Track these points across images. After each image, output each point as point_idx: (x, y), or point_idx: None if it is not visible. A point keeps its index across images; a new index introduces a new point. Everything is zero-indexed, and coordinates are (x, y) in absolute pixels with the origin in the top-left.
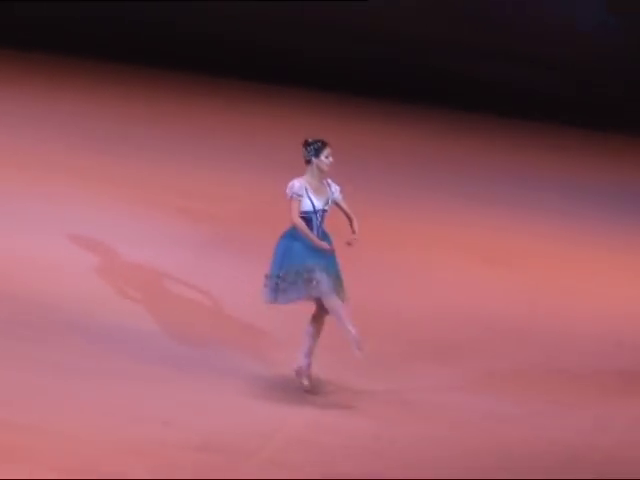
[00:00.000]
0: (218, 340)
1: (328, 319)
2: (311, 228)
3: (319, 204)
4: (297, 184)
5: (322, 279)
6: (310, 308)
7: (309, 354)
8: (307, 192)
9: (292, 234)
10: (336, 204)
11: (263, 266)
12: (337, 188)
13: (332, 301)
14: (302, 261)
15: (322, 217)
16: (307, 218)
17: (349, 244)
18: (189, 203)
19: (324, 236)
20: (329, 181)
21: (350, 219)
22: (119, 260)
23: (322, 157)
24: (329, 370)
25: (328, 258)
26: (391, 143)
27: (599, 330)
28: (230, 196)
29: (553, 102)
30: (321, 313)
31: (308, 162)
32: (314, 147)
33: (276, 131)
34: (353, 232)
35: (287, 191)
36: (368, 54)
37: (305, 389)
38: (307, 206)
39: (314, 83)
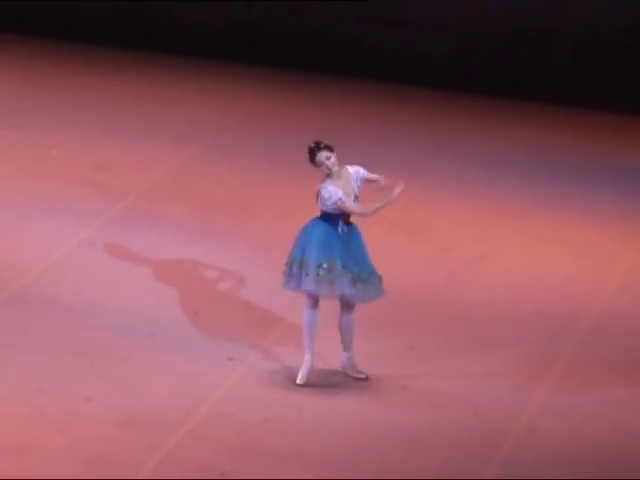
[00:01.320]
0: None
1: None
2: (336, 225)
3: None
4: (331, 190)
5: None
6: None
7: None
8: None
9: (325, 223)
10: (367, 181)
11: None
12: (357, 169)
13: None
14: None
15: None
16: (336, 215)
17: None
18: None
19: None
20: (347, 168)
21: (385, 185)
22: (29, 235)
23: (318, 161)
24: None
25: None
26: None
27: (517, 297)
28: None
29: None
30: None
31: (315, 165)
32: (308, 155)
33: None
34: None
35: (330, 203)
36: None
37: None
38: (342, 197)
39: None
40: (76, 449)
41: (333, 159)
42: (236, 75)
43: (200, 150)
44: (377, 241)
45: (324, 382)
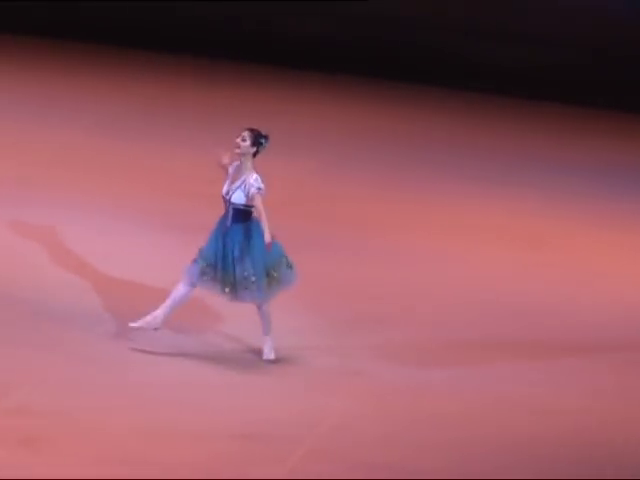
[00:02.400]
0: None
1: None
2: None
3: None
4: (261, 179)
5: None
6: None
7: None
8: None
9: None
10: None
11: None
12: (255, 182)
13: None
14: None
15: None
16: (250, 212)
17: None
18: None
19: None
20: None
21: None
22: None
23: (261, 149)
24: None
25: None
26: (399, 125)
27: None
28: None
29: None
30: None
31: (255, 154)
32: (259, 139)
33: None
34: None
35: (261, 185)
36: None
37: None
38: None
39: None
40: (197, 463)
41: None
42: (353, 90)
43: (315, 164)
44: (497, 256)
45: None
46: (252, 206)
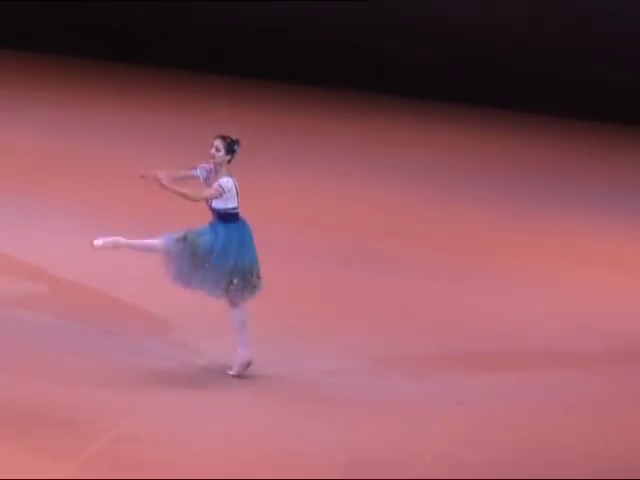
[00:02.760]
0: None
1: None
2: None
3: None
4: (230, 183)
5: None
6: None
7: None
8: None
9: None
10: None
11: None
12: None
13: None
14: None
15: None
16: (234, 214)
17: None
18: (305, 211)
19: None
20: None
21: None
22: None
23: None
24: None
25: None
26: (507, 152)
27: None
28: (353, 205)
29: None
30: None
31: (230, 160)
32: (232, 146)
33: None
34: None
35: (227, 185)
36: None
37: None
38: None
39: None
40: None
41: None
42: (457, 117)
43: (424, 190)
44: (609, 283)
45: None
46: (233, 208)
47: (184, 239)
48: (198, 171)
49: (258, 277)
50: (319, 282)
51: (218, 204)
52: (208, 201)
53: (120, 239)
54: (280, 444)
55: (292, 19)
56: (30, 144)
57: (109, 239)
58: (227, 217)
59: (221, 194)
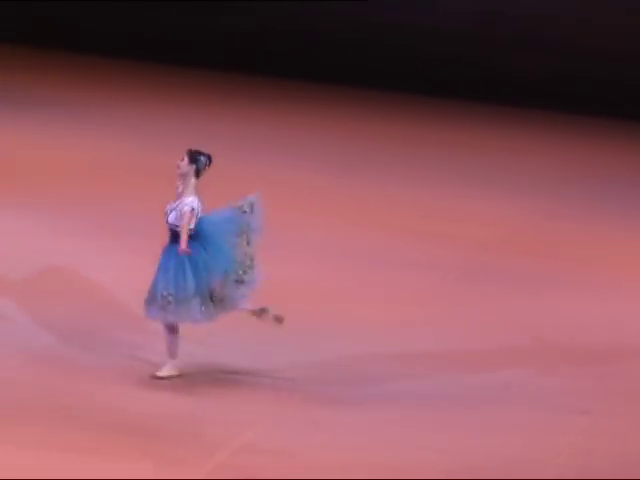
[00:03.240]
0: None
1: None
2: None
3: None
4: (196, 203)
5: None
6: None
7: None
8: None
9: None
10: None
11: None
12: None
13: None
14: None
15: None
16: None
17: None
18: (441, 226)
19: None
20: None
21: None
22: (362, 281)
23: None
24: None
25: None
26: (616, 162)
27: None
28: (490, 220)
29: None
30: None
31: (198, 174)
32: (206, 161)
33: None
34: None
35: (189, 204)
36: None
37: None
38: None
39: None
40: None
41: None
42: (566, 126)
43: (539, 202)
44: None
45: None
46: (191, 228)
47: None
48: (167, 210)
49: (244, 273)
50: (445, 296)
51: (176, 220)
52: (166, 218)
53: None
54: (403, 454)
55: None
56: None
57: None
58: (173, 238)
59: (196, 215)
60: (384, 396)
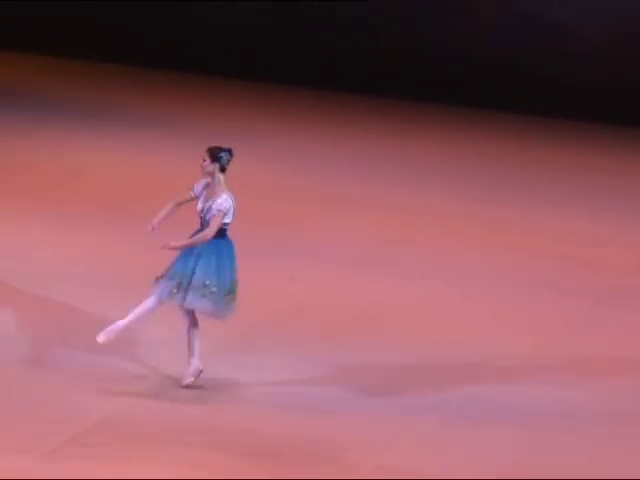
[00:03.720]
0: None
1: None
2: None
3: None
4: (228, 202)
5: None
6: None
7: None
8: None
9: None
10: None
11: None
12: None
13: None
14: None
15: None
16: (223, 230)
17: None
18: (576, 250)
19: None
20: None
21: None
22: (502, 305)
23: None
24: None
25: None
26: None
27: None
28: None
29: None
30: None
31: (223, 170)
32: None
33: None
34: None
35: (221, 208)
36: None
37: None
38: (229, 218)
39: None
40: None
41: None
42: None
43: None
44: None
45: None
46: (225, 223)
47: (178, 287)
48: (194, 190)
49: (232, 298)
50: (583, 321)
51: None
52: (201, 215)
53: (118, 324)
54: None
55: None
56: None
57: (109, 330)
58: (220, 232)
59: (223, 216)
60: (523, 418)
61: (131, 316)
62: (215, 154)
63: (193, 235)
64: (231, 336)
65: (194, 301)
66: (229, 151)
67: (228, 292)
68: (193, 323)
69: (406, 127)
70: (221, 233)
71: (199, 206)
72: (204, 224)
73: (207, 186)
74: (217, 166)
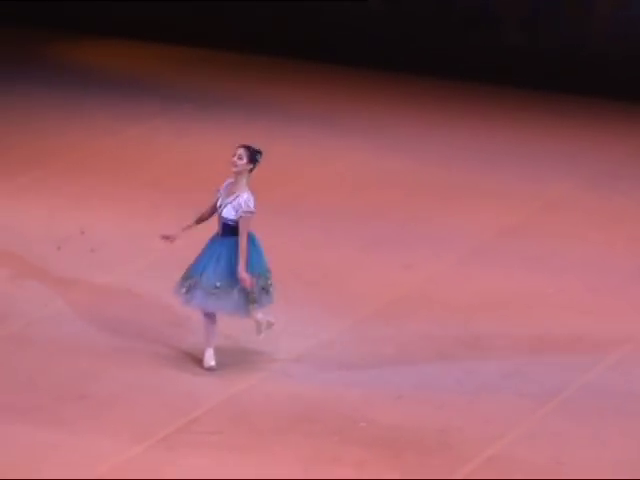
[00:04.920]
0: None
1: None
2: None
3: None
4: (252, 201)
5: None
6: None
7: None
8: None
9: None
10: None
11: None
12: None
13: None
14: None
15: None
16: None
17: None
18: None
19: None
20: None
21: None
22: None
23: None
24: None
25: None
26: None
27: None
28: None
29: None
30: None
31: (252, 170)
32: (255, 154)
33: None
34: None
35: (250, 208)
36: None
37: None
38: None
39: None
40: None
41: None
42: None
43: None
44: None
45: None
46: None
47: (188, 288)
48: (221, 192)
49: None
50: None
51: (230, 214)
52: (219, 210)
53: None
54: None
55: None
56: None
57: (208, 357)
58: (232, 230)
59: (252, 215)
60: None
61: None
62: (254, 155)
63: (214, 239)
64: (345, 325)
65: (203, 301)
66: (261, 154)
67: (264, 284)
68: (211, 320)
69: (524, 116)
70: (236, 231)
71: (218, 202)
72: (225, 224)
73: (229, 185)
74: (250, 167)
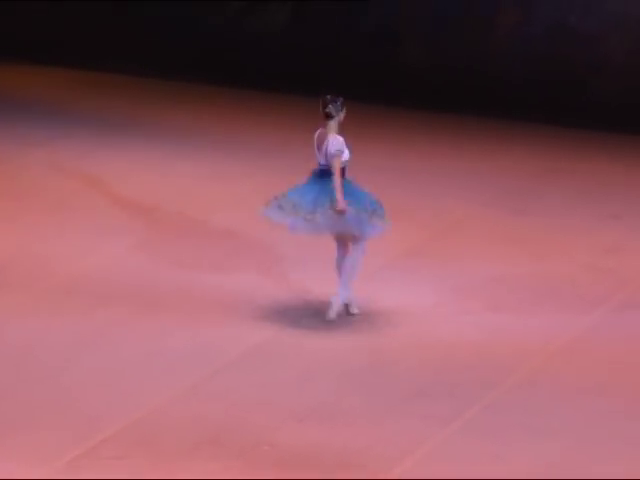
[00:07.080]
0: None
1: None
2: (345, 175)
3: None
4: (341, 139)
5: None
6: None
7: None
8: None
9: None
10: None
11: None
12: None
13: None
14: None
15: None
16: (344, 168)
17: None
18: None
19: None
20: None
21: None
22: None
23: (344, 111)
24: None
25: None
26: None
27: None
28: None
29: None
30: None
31: (332, 117)
32: (340, 102)
33: None
34: None
35: (338, 147)
36: None
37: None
38: (346, 156)
39: None
40: None
41: None
42: None
43: None
44: None
45: None
46: (345, 161)
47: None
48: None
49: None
50: None
51: (322, 160)
52: (318, 160)
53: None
54: None
55: None
56: None
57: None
58: (328, 174)
59: (342, 153)
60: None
61: (344, 277)
62: (342, 104)
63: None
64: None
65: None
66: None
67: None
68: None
69: (428, 135)
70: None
71: (317, 157)
72: (321, 170)
73: (320, 134)
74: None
